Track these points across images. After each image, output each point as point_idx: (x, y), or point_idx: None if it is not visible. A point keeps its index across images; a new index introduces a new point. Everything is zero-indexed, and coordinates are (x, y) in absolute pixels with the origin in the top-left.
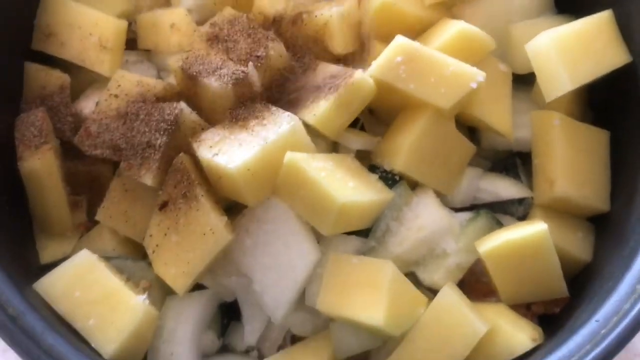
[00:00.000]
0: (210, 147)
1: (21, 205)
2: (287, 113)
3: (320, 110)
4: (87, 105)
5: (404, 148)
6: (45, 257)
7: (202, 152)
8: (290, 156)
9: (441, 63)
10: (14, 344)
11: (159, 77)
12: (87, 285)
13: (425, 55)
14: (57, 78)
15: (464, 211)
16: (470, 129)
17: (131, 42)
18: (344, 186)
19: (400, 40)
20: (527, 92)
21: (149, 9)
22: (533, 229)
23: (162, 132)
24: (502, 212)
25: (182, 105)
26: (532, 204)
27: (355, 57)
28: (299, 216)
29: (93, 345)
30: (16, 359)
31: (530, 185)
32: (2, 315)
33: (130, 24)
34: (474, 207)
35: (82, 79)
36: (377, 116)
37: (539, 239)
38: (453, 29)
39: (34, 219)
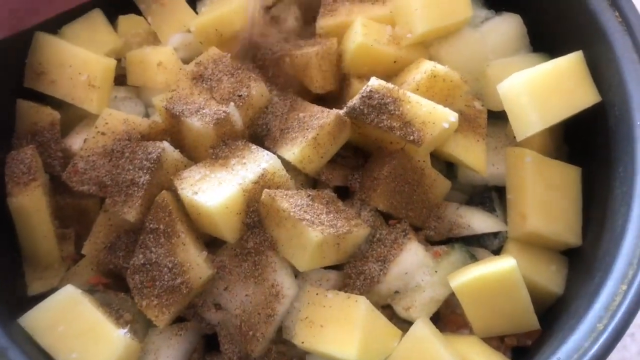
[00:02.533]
0: (191, 185)
1: (10, 238)
2: (266, 152)
3: (299, 148)
4: (77, 142)
5: (379, 184)
6: (34, 289)
7: (183, 190)
8: (267, 193)
9: (414, 104)
10: None
11: (147, 112)
12: (70, 319)
13: (399, 97)
14: (47, 115)
15: (440, 245)
16: (447, 162)
17: (121, 78)
18: (321, 221)
19: (374, 82)
20: (502, 128)
21: (139, 46)
22: (503, 265)
23: (145, 171)
24: (477, 244)
25: (165, 144)
26: (506, 237)
27: (335, 95)
28: (277, 252)
29: None
30: None
31: (505, 219)
32: None
33: (120, 61)
34: (449, 240)
35: (72, 116)
36: (357, 148)
37: (508, 274)
38: (425, 69)
39: (23, 252)
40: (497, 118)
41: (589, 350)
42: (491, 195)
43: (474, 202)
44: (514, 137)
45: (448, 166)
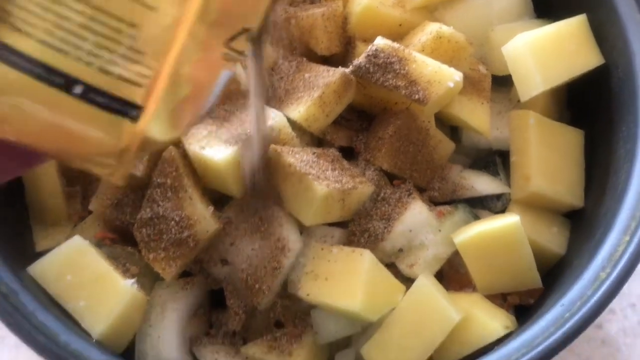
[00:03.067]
0: (198, 140)
1: (18, 196)
2: (273, 110)
3: (304, 107)
4: None
5: (384, 144)
6: (41, 245)
7: (190, 145)
8: (273, 148)
9: (420, 63)
10: (5, 319)
11: None
12: (78, 269)
13: (404, 56)
14: None
15: (444, 205)
16: (452, 127)
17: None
18: (326, 177)
19: (379, 42)
20: (506, 93)
21: None
22: (506, 221)
23: None
24: (480, 207)
25: None
26: (509, 200)
27: (340, 58)
28: (283, 207)
29: (83, 325)
30: (28, 350)
31: (508, 183)
32: None
33: None
34: (453, 202)
35: None
36: (361, 111)
37: (511, 230)
38: (431, 30)
39: (30, 208)
40: (501, 84)
41: (592, 297)
42: (495, 159)
43: (478, 166)
44: (518, 102)
45: (452, 131)
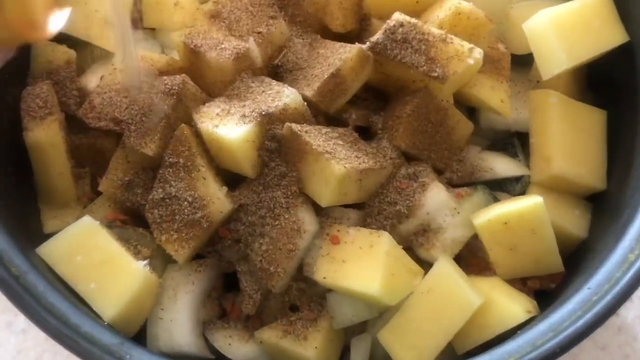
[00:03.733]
0: (211, 119)
1: (26, 177)
2: (287, 87)
3: (319, 84)
4: (92, 80)
5: (401, 123)
6: (49, 227)
7: (203, 123)
8: (289, 127)
9: (439, 39)
10: (15, 300)
11: (163, 54)
12: (88, 250)
13: (423, 31)
14: (63, 53)
15: (462, 187)
16: (469, 108)
17: (135, 21)
18: (343, 156)
19: (398, 17)
20: (525, 73)
21: None
22: (528, 202)
23: (165, 103)
24: (499, 189)
25: (185, 77)
26: (529, 182)
27: (355, 35)
28: (299, 187)
29: (94, 308)
30: (36, 337)
31: (528, 164)
32: (4, 273)
33: (135, 3)
34: (471, 184)
35: (89, 54)
36: (377, 91)
37: (534, 211)
38: (449, 6)
39: (38, 189)
40: (520, 63)
41: (621, 280)
42: (513, 141)
43: (496, 148)
44: (537, 82)
45: (470, 112)
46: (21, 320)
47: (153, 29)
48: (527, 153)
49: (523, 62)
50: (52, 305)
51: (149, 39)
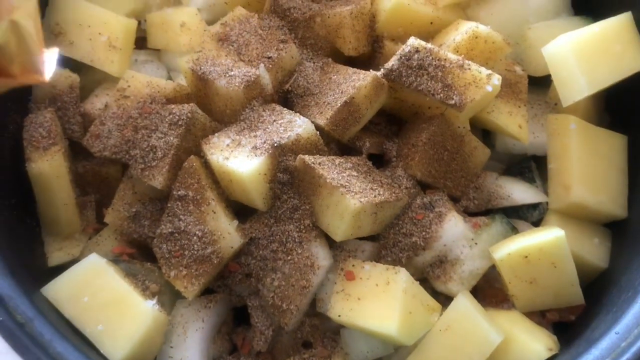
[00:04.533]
0: (222, 150)
1: (28, 208)
2: (299, 116)
3: (332, 112)
4: (96, 105)
5: (417, 152)
6: (54, 260)
7: (213, 155)
8: (302, 159)
9: (456, 65)
10: (21, 351)
11: (169, 76)
12: (95, 290)
13: (439, 57)
14: (66, 77)
15: (478, 216)
16: (483, 131)
17: (140, 41)
18: (358, 189)
19: (413, 42)
20: (542, 94)
21: (159, 8)
22: (550, 235)
23: (173, 134)
24: (516, 216)
25: (193, 106)
26: (546, 209)
27: (367, 58)
28: (312, 221)
29: (102, 351)
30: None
31: (545, 190)
32: (10, 322)
33: (139, 23)
34: (488, 212)
35: (91, 79)
36: (390, 116)
37: (555, 245)
38: (466, 30)
39: (42, 221)
40: (536, 84)
41: None
42: (530, 165)
43: (512, 172)
44: (555, 104)
45: (484, 135)
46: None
47: (158, 50)
48: (544, 177)
49: (539, 84)
50: (61, 355)
51: (154, 61)
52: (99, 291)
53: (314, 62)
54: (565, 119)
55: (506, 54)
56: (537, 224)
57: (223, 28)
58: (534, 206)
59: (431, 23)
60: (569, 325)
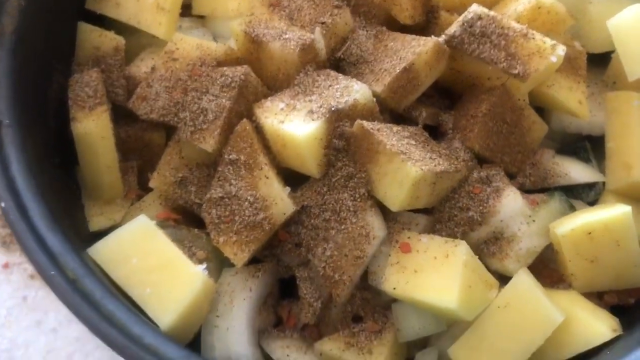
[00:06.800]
0: (276, 114)
1: (70, 172)
2: (356, 81)
3: (390, 79)
4: (142, 69)
5: (476, 123)
6: (95, 224)
7: (267, 119)
8: (360, 124)
9: (520, 34)
10: (74, 309)
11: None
12: (144, 252)
13: (503, 25)
14: (111, 40)
15: (535, 193)
16: (536, 108)
17: (184, 9)
18: (418, 157)
19: (476, 9)
20: (599, 73)
21: None
22: (616, 212)
23: (225, 96)
24: (571, 196)
25: (247, 68)
26: (603, 190)
27: (420, 28)
28: (367, 190)
29: (150, 314)
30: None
31: (601, 170)
32: (62, 278)
33: None
34: (544, 190)
35: (136, 43)
36: (443, 89)
37: (621, 222)
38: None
39: (84, 184)
40: (594, 62)
41: None
42: (585, 145)
43: (566, 151)
44: (613, 83)
45: (537, 112)
46: (51, 319)
47: (202, 17)
48: (598, 158)
49: (597, 62)
50: (112, 314)
51: (199, 27)
52: (147, 254)
53: (367, 31)
54: (628, 95)
55: (569, 26)
56: (592, 204)
57: None
58: (590, 186)
59: None
60: (627, 309)
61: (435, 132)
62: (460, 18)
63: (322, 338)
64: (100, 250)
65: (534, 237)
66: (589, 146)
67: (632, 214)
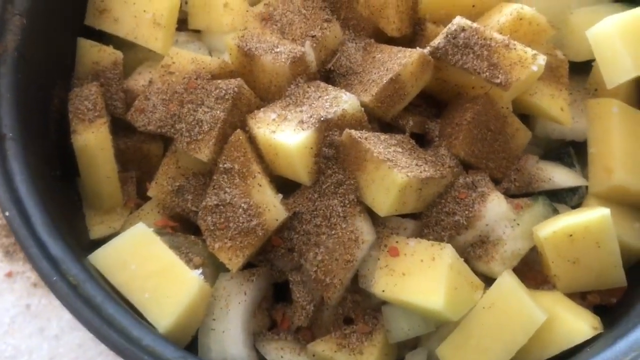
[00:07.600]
0: (268, 124)
1: (71, 183)
2: (345, 92)
3: (377, 89)
4: (139, 82)
5: (461, 131)
6: (95, 233)
7: (259, 129)
8: (348, 132)
9: (502, 45)
10: (76, 313)
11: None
12: (142, 258)
13: (485, 36)
14: (110, 54)
15: (520, 198)
16: (521, 116)
17: (180, 23)
18: (404, 164)
19: (459, 21)
20: (581, 81)
21: None
22: (595, 214)
23: (219, 108)
24: (555, 200)
25: (240, 81)
26: (585, 194)
27: (407, 40)
28: (356, 196)
29: (148, 318)
30: (69, 342)
31: (584, 175)
32: (64, 283)
33: (180, 4)
34: (528, 195)
35: (134, 57)
36: (430, 98)
37: (600, 224)
38: (511, 11)
39: (84, 195)
40: (575, 71)
41: None
42: (569, 150)
43: (550, 158)
44: (595, 90)
45: (522, 121)
46: (54, 326)
47: (198, 31)
48: (582, 163)
49: (579, 70)
50: (112, 317)
51: (195, 41)
52: (145, 260)
53: (356, 43)
54: (608, 102)
55: (550, 37)
56: (576, 208)
57: (266, 8)
58: (574, 190)
59: (473, 6)
60: (609, 308)
61: (422, 140)
62: (445, 30)
63: (315, 340)
64: (101, 257)
65: (518, 240)
66: (573, 152)
67: (612, 216)
